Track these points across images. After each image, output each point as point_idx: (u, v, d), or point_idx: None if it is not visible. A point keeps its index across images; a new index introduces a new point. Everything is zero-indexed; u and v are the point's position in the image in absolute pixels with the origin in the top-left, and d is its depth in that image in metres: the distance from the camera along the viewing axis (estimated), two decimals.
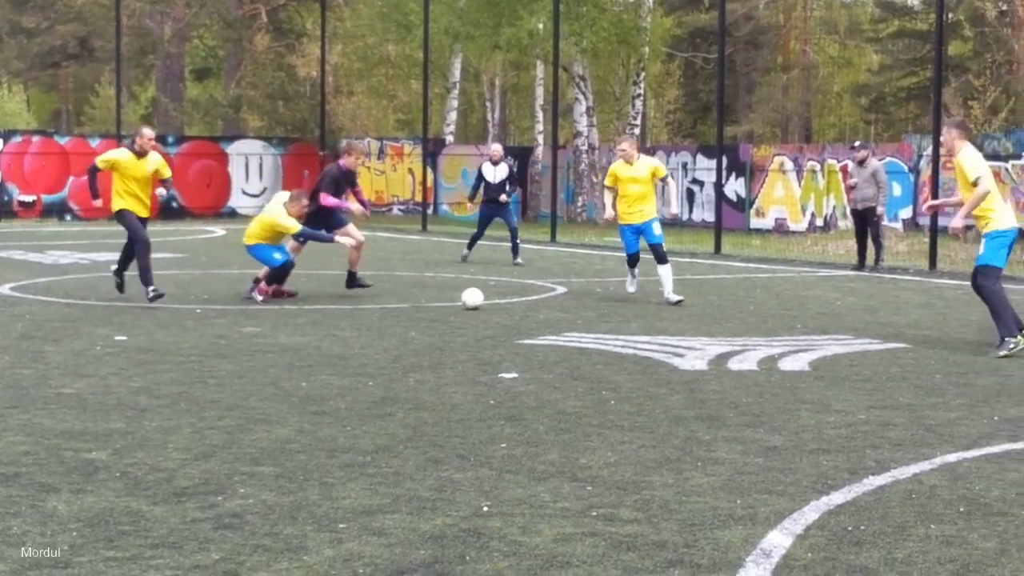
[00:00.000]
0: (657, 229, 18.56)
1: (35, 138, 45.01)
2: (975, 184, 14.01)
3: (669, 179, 18.95)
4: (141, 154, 17.68)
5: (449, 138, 50.00)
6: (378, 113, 57.81)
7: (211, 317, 16.38)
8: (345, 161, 19.50)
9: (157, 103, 64.09)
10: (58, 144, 44.82)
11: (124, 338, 14.40)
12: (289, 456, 8.64)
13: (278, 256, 18.34)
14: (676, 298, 18.30)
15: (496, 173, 26.00)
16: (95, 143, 45.27)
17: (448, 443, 9.10)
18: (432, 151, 45.31)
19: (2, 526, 6.95)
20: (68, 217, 43.62)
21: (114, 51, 46.31)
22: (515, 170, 30.87)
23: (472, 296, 17.60)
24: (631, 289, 19.27)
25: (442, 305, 18.12)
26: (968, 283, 15.24)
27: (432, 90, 46.84)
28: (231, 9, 56.86)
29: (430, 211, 40.92)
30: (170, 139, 47.56)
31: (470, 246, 26.84)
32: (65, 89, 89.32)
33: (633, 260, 19.02)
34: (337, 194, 19.34)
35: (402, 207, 48.27)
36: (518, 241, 26.28)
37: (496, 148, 27.27)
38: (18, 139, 44.31)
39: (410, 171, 48.09)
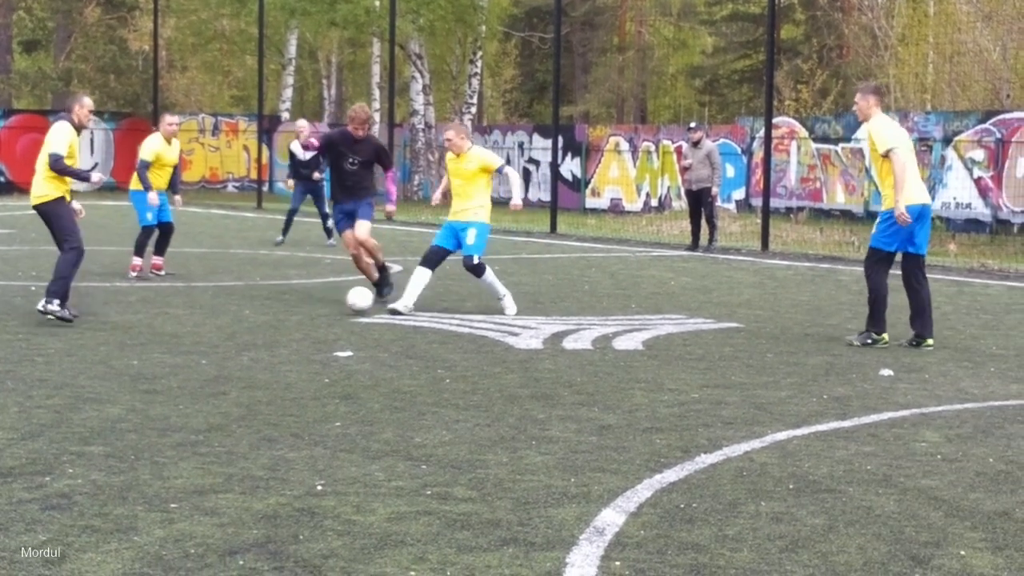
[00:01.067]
0: (471, 238, 15.20)
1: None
2: (886, 156, 12.68)
3: (507, 170, 15.53)
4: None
5: (285, 115, 49.67)
6: (213, 89, 57.30)
7: (40, 295, 16.08)
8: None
9: None
10: None
11: None
12: (120, 435, 8.51)
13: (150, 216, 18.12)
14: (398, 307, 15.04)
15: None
16: None
17: (282, 422, 9.03)
18: (267, 128, 44.99)
19: None
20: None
21: None
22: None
23: (360, 297, 15.09)
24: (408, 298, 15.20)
25: (276, 283, 17.99)
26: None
27: (267, 66, 46.54)
28: None
29: (265, 188, 40.60)
30: None
31: (285, 230, 25.37)
32: None
33: (429, 257, 15.35)
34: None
35: (237, 184, 47.89)
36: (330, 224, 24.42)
37: (302, 124, 25.47)
38: None
39: (245, 148, 47.74)
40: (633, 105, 60.96)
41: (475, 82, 45.13)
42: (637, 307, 16.14)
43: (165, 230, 18.58)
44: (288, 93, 51.08)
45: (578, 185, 40.27)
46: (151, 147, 18.28)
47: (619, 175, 39.73)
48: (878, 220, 13.18)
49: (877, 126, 12.91)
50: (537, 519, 6.80)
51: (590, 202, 39.88)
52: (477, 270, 15.18)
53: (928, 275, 13.45)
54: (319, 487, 7.34)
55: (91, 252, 21.75)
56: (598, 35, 63.08)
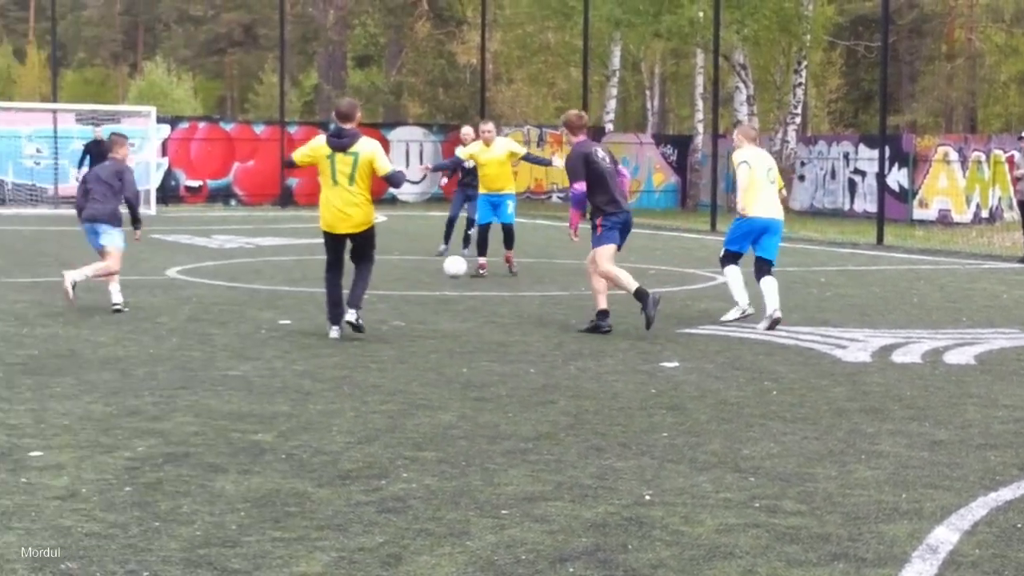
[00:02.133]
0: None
1: (201, 124, 45.83)
2: None
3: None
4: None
5: (609, 126, 49.91)
6: (537, 101, 57.94)
7: (373, 303, 16.52)
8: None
9: (319, 90, 64.80)
10: (223, 130, 45.55)
11: (288, 322, 14.60)
12: (451, 442, 8.70)
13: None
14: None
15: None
16: (259, 129, 45.96)
17: (610, 431, 9.10)
18: (592, 139, 45.32)
19: (173, 504, 7.08)
20: (233, 202, 44.34)
21: (278, 38, 46.92)
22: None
23: (454, 264, 18.48)
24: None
25: None
26: None
27: (592, 78, 46.84)
28: None
29: None
30: (331, 126, 48.10)
31: (447, 238, 23.94)
32: (230, 76, 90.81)
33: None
34: None
35: (561, 195, 48.32)
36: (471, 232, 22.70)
37: (467, 131, 23.25)
38: (185, 125, 45.12)
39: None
40: (962, 114, 59.57)
41: (799, 92, 44.65)
42: (968, 320, 15.76)
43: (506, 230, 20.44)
44: (612, 104, 51.33)
45: (905, 196, 39.50)
46: (468, 149, 20.91)
47: (948, 185, 38.86)
48: None
49: None
50: (868, 535, 6.70)
51: (918, 213, 39.07)
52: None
53: None
54: (647, 497, 7.37)
55: (420, 261, 22.31)
56: (925, 43, 61.82)
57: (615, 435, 8.98)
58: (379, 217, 14.54)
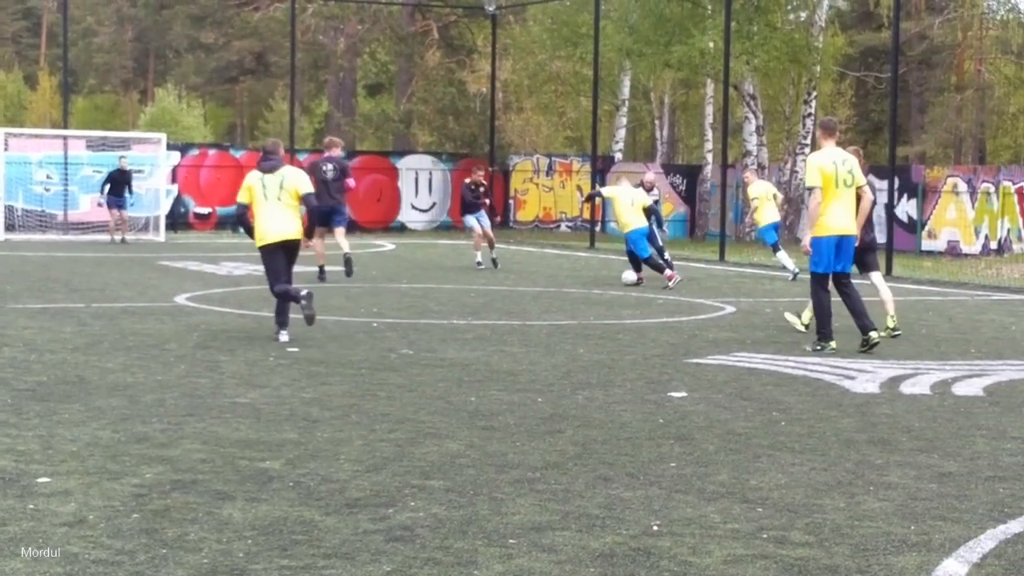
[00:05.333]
0: None
1: (211, 151, 45.90)
2: None
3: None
4: None
5: (618, 155, 49.99)
6: (547, 130, 58.02)
7: (381, 331, 16.54)
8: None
9: (330, 117, 64.97)
10: (233, 157, 45.60)
11: (296, 349, 14.60)
12: (459, 470, 8.69)
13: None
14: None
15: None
16: None
17: (617, 461, 9.09)
18: (600, 168, 45.33)
19: (180, 532, 7.07)
20: (241, 230, 44.33)
21: (289, 66, 47.04)
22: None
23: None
24: None
25: (610, 323, 18.11)
26: None
27: (601, 107, 46.90)
28: (403, 25, 57.42)
29: (598, 228, 40.91)
30: (342, 154, 48.17)
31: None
32: (240, 103, 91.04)
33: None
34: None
35: (570, 224, 48.38)
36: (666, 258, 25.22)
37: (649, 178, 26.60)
38: (195, 152, 45.19)
39: (578, 188, 48.15)
40: (971, 145, 59.52)
41: (809, 122, 44.64)
42: (977, 352, 15.75)
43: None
44: (621, 134, 51.41)
45: (914, 227, 39.49)
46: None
47: (956, 217, 38.83)
48: None
49: None
50: (876, 567, 6.69)
51: (926, 244, 39.06)
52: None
53: None
54: (655, 527, 7.36)
55: (428, 290, 22.34)
56: (935, 74, 61.83)
57: (623, 465, 8.97)
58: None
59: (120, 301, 19.66)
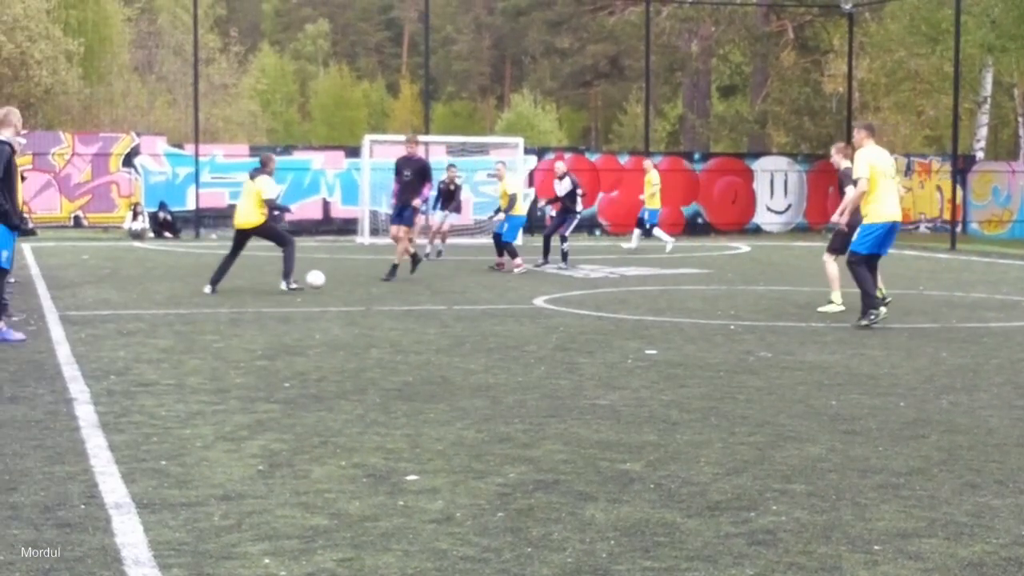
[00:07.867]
0: None
1: (567, 155, 46.37)
2: None
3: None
4: None
5: (979, 154, 48.69)
6: (906, 129, 56.92)
7: (739, 333, 16.47)
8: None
9: (684, 120, 65.05)
10: (588, 161, 46.07)
11: (654, 352, 14.65)
12: (821, 475, 8.60)
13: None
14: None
15: None
16: (623, 160, 46.35)
17: (985, 468, 8.85)
18: (961, 168, 44.24)
19: (544, 531, 7.18)
20: (598, 232, 44.78)
21: (643, 69, 47.30)
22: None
23: (315, 277, 21.63)
24: None
25: (974, 326, 17.65)
26: None
27: (962, 105, 45.75)
28: (758, 25, 57.05)
29: (959, 229, 39.93)
30: (696, 156, 48.22)
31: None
32: (594, 107, 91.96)
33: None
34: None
35: (929, 225, 47.36)
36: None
37: None
38: (551, 156, 45.73)
39: (938, 188, 47.11)
40: None
41: None
42: None
43: None
44: (983, 132, 50.09)
45: None
46: None
47: None
48: None
49: None
50: None
51: None
52: None
53: None
54: None
55: (786, 292, 22.16)
56: None
57: (991, 471, 8.73)
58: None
59: (480, 303, 20.06)
